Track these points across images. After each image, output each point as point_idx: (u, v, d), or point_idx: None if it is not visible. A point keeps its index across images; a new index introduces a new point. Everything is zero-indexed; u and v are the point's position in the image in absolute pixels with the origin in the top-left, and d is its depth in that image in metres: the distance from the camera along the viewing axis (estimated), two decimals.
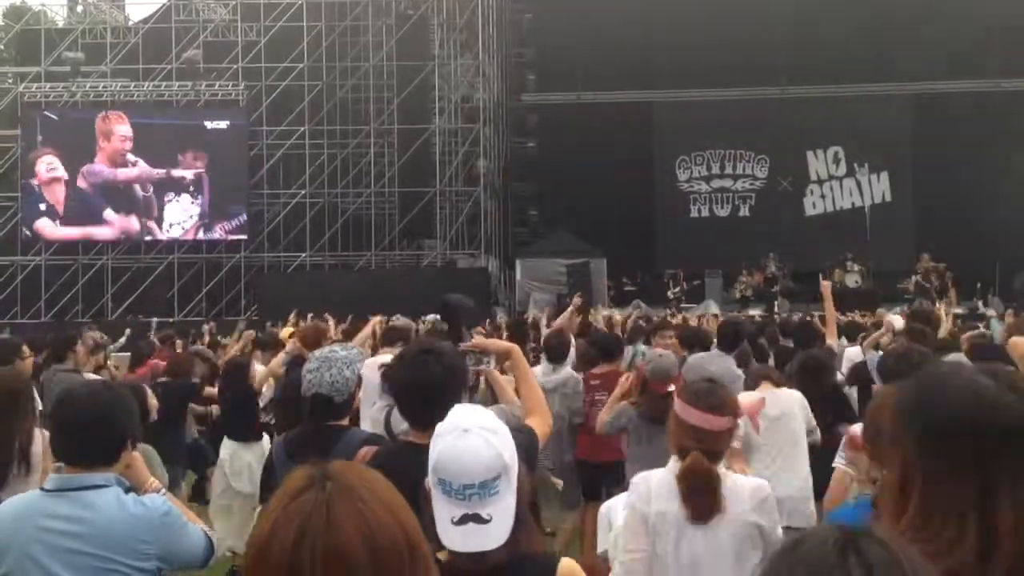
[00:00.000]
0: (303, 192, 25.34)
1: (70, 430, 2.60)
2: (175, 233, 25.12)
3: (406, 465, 2.65)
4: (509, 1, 28.48)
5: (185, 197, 25.10)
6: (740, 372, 6.47)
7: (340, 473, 1.41)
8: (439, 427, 2.06)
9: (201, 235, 25.20)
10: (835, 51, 26.01)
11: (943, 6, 25.92)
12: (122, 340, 12.73)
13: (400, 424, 4.10)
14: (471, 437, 1.98)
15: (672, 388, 4.77)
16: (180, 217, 25.21)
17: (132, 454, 2.71)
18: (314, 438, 3.41)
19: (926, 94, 26.61)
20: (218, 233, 25.16)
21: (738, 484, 3.04)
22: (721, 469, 3.03)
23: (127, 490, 2.58)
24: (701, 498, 2.93)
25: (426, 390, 2.81)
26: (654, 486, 3.05)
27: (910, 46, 25.82)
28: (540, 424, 3.13)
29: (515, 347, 3.48)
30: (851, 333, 9.88)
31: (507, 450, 2.02)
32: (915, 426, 1.51)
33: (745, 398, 4.12)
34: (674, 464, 3.03)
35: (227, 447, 7.05)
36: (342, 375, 3.42)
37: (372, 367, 4.61)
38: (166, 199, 25.11)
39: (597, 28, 26.34)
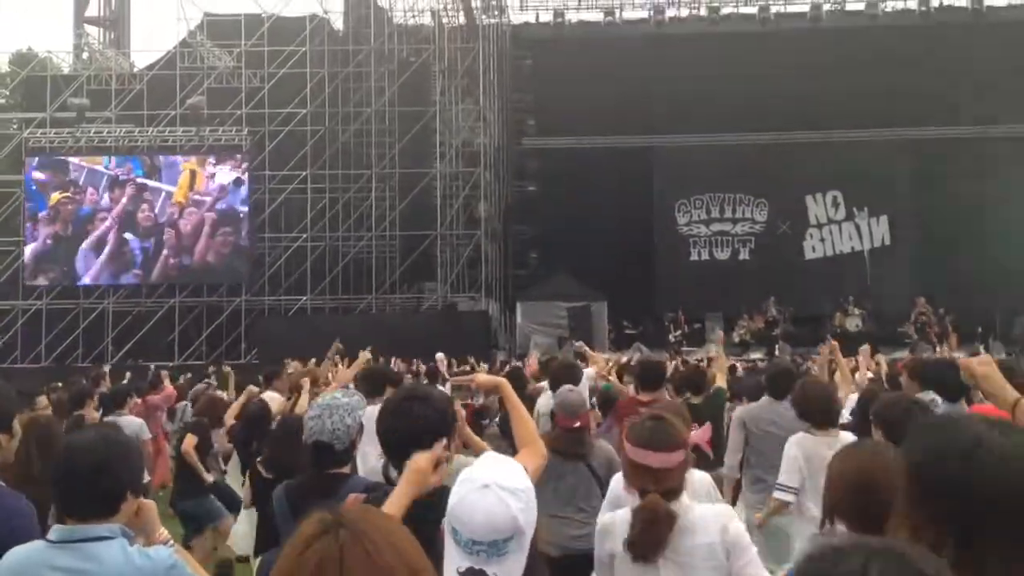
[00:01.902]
0: (304, 236, 25.44)
1: (67, 482, 2.60)
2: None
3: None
4: (509, 47, 28.84)
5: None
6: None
7: (353, 519, 1.42)
8: (463, 473, 2.04)
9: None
10: (833, 96, 26.26)
11: (941, 52, 26.23)
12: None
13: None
14: (488, 495, 1.95)
15: (579, 424, 4.74)
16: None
17: (144, 502, 2.70)
18: (315, 486, 3.39)
19: (924, 139, 26.81)
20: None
21: (705, 516, 3.00)
22: (684, 502, 3.00)
23: (132, 541, 2.57)
24: (648, 538, 2.91)
25: (412, 437, 2.75)
26: (618, 524, 3.04)
27: (908, 91, 26.07)
28: (532, 456, 3.06)
29: (503, 381, 3.46)
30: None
31: (524, 513, 1.97)
32: (916, 489, 1.49)
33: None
34: (634, 504, 3.01)
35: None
36: (343, 422, 3.41)
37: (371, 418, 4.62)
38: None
39: (596, 73, 26.62)
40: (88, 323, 24.83)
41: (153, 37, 54.81)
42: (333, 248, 25.48)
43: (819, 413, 5.01)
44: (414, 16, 27.75)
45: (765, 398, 6.48)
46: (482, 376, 3.45)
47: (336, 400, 3.49)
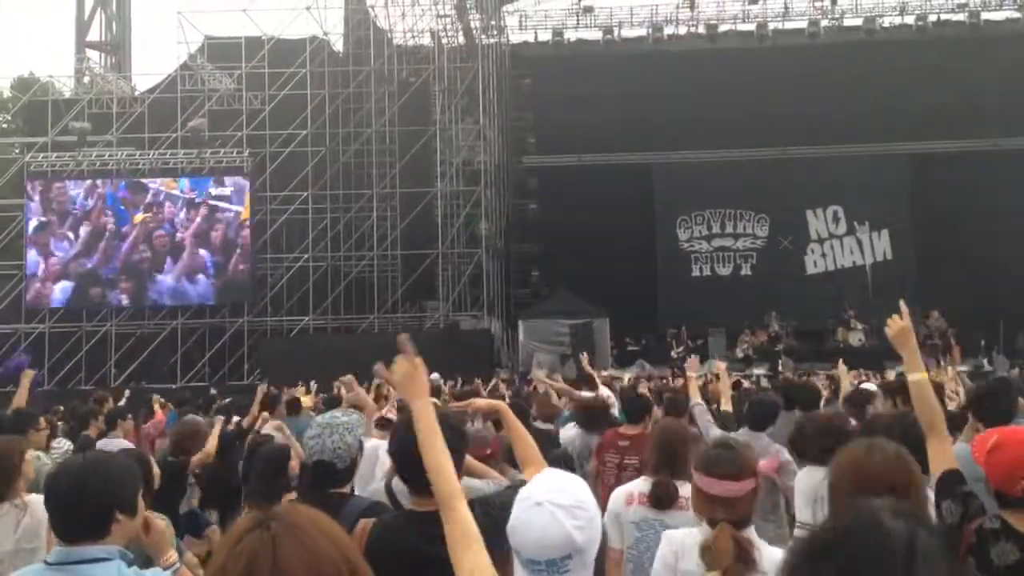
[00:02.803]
0: (306, 256, 25.48)
1: (56, 505, 2.60)
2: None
3: (407, 535, 2.63)
4: (509, 67, 29.00)
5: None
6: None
7: (285, 513, 1.46)
8: (521, 491, 2.02)
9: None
10: (833, 111, 26.36)
11: (939, 66, 26.33)
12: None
13: (401, 485, 4.06)
14: (541, 513, 1.93)
15: (489, 451, 4.69)
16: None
17: (153, 522, 2.69)
18: (317, 507, 3.37)
19: (924, 153, 26.87)
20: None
21: (762, 554, 2.96)
22: (752, 531, 2.96)
23: (131, 562, 2.56)
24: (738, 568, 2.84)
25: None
26: (688, 544, 3.01)
27: (907, 106, 26.18)
28: (535, 475, 3.05)
29: (502, 404, 3.42)
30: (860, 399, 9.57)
31: (581, 530, 1.95)
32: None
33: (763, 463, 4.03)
34: (704, 529, 2.96)
35: None
36: (344, 441, 3.40)
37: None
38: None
39: (596, 91, 26.74)
40: (91, 346, 24.82)
41: (154, 60, 55.21)
42: (335, 268, 25.50)
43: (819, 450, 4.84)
44: (414, 37, 27.93)
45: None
46: (480, 400, 3.42)
47: (335, 419, 3.48)
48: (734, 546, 2.82)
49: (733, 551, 2.81)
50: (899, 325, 3.29)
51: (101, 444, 7.04)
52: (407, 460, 2.84)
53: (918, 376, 3.24)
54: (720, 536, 2.84)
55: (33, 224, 25.07)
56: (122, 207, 25.25)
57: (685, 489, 3.88)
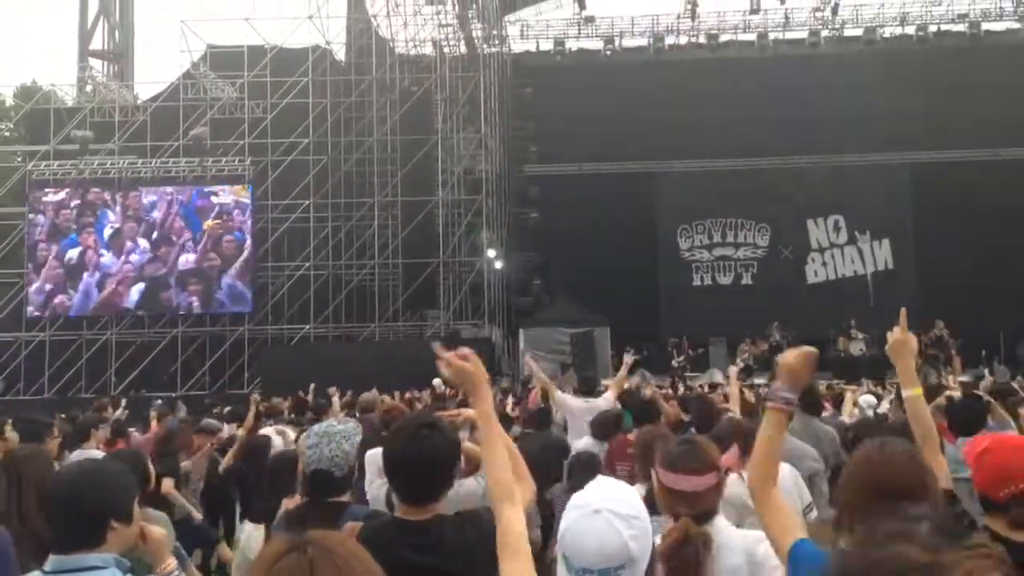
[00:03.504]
0: (307, 264, 25.48)
1: (51, 514, 2.60)
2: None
3: (395, 543, 2.62)
4: (510, 76, 29.05)
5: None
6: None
7: (320, 538, 1.48)
8: (575, 497, 2.01)
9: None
10: (833, 120, 26.39)
11: (939, 76, 26.37)
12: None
13: None
14: (598, 520, 1.92)
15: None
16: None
17: (150, 531, 2.68)
18: (315, 515, 3.37)
19: (925, 162, 26.88)
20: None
21: (731, 538, 2.95)
22: (719, 522, 2.95)
23: (127, 570, 2.55)
24: (682, 564, 2.85)
25: (429, 465, 2.73)
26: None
27: (907, 115, 26.19)
28: (524, 491, 3.03)
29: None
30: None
31: (637, 540, 1.94)
32: None
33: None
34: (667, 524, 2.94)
35: (247, 530, 6.66)
36: (341, 449, 3.39)
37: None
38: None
39: (597, 100, 26.79)
40: (91, 354, 24.81)
41: (156, 69, 55.27)
42: (336, 276, 25.50)
43: None
44: (416, 46, 27.99)
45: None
46: (469, 411, 3.41)
47: (332, 427, 3.47)
48: (697, 539, 2.79)
49: (682, 546, 2.77)
50: (897, 338, 3.30)
51: (74, 455, 6.95)
52: (398, 467, 2.82)
53: (911, 392, 3.29)
54: (680, 528, 2.82)
55: (108, 231, 25.30)
56: (195, 215, 25.49)
57: None
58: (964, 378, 18.50)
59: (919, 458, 2.74)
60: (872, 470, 2.60)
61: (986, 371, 21.59)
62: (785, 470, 4.94)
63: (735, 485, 3.54)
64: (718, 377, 21.27)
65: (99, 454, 7.43)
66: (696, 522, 2.86)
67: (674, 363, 23.54)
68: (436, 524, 2.69)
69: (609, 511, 1.94)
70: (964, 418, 5.13)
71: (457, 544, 2.64)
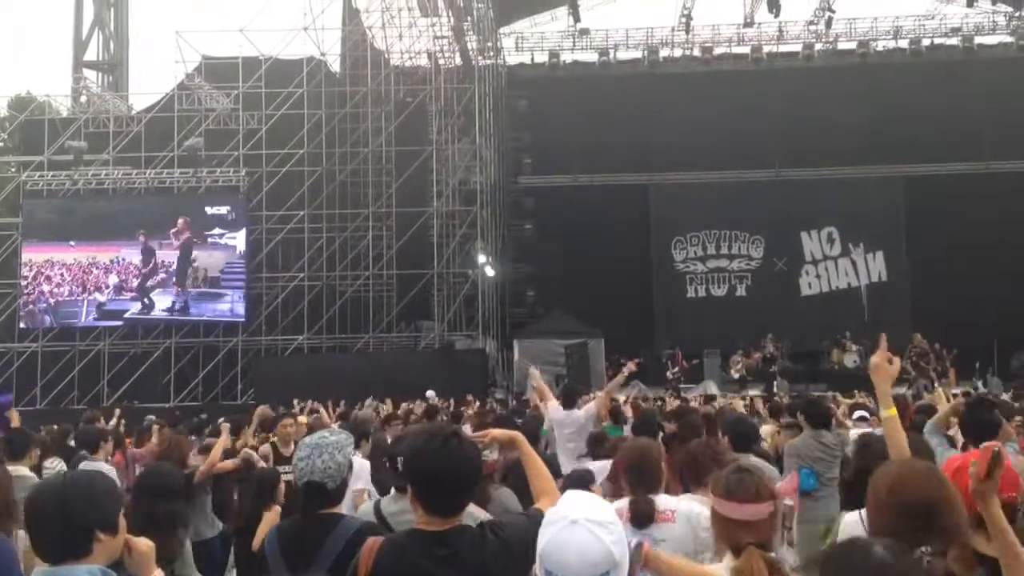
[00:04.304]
0: (301, 275, 25.45)
1: (33, 527, 2.58)
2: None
3: (418, 556, 2.60)
4: (505, 88, 29.11)
5: None
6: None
7: None
8: (548, 514, 2.02)
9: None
10: (827, 133, 26.47)
11: (932, 89, 26.47)
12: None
13: (390, 507, 4.02)
14: (578, 530, 1.93)
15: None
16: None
17: (136, 542, 2.66)
18: (307, 528, 3.34)
19: (918, 175, 26.98)
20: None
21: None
22: (779, 559, 2.91)
23: None
24: None
25: (458, 477, 2.66)
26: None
27: (901, 128, 26.29)
28: (549, 507, 3.02)
29: (518, 434, 3.35)
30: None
31: (617, 545, 1.95)
32: None
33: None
34: (729, 561, 2.90)
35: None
36: (334, 460, 3.36)
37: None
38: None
39: (592, 112, 26.85)
40: (84, 365, 24.71)
41: (151, 80, 55.21)
42: (330, 287, 25.47)
43: None
44: (411, 58, 28.02)
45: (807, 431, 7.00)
46: (497, 431, 3.40)
47: (324, 439, 3.44)
48: (767, 568, 2.77)
49: (767, 573, 2.76)
50: (874, 361, 3.63)
51: (83, 466, 6.89)
52: (424, 477, 2.70)
53: (886, 413, 3.57)
54: (751, 559, 2.79)
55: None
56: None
57: (661, 501, 3.88)
58: (956, 391, 18.53)
59: (940, 474, 2.73)
60: (896, 489, 2.59)
61: (980, 383, 21.66)
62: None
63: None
64: (712, 389, 21.27)
65: (108, 467, 7.33)
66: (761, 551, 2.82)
67: (668, 375, 23.50)
68: (457, 534, 2.67)
69: (586, 519, 1.95)
70: (975, 426, 5.08)
71: (478, 555, 2.61)
